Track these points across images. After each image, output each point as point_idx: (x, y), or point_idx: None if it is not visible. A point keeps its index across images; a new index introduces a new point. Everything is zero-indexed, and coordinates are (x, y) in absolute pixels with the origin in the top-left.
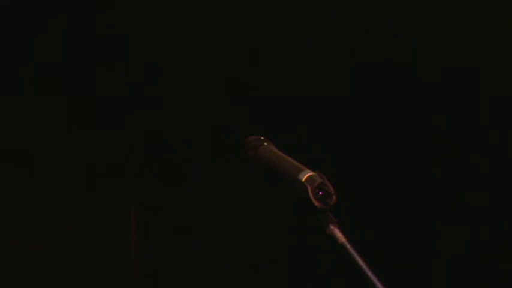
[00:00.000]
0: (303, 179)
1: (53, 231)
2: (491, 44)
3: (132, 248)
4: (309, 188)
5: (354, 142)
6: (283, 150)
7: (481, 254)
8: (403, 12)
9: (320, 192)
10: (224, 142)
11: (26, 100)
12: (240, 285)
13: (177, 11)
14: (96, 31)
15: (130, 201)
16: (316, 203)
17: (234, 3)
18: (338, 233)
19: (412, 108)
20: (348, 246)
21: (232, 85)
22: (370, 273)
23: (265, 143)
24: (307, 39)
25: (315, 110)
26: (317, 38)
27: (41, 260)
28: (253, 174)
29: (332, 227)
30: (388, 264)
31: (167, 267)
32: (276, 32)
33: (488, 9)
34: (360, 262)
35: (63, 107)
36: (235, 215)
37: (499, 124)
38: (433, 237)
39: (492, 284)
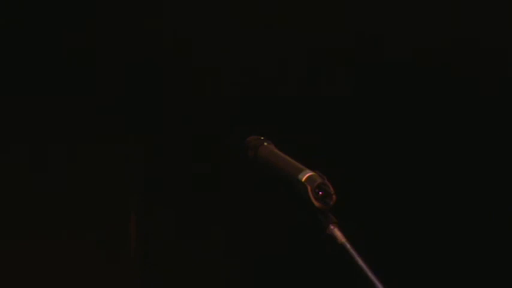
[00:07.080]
0: (303, 179)
1: (53, 231)
2: (491, 43)
3: (132, 248)
4: (309, 188)
5: (354, 142)
6: (283, 150)
7: (481, 254)
8: (403, 12)
9: (320, 192)
10: (224, 142)
11: (26, 100)
12: (240, 285)
13: (177, 10)
14: (96, 31)
15: (130, 201)
16: (316, 203)
17: (234, 3)
18: (338, 233)
19: (412, 108)
20: (348, 246)
21: (232, 85)
22: (370, 273)
23: (265, 143)
24: (307, 39)
25: (315, 110)
26: (317, 37)
27: (41, 260)
28: (253, 174)
29: (332, 227)
30: (388, 264)
31: (167, 267)
32: (276, 31)
33: (488, 9)
34: (360, 262)
35: (63, 107)
36: (235, 215)
37: (499, 124)
38: (433, 237)
39: (492, 284)
